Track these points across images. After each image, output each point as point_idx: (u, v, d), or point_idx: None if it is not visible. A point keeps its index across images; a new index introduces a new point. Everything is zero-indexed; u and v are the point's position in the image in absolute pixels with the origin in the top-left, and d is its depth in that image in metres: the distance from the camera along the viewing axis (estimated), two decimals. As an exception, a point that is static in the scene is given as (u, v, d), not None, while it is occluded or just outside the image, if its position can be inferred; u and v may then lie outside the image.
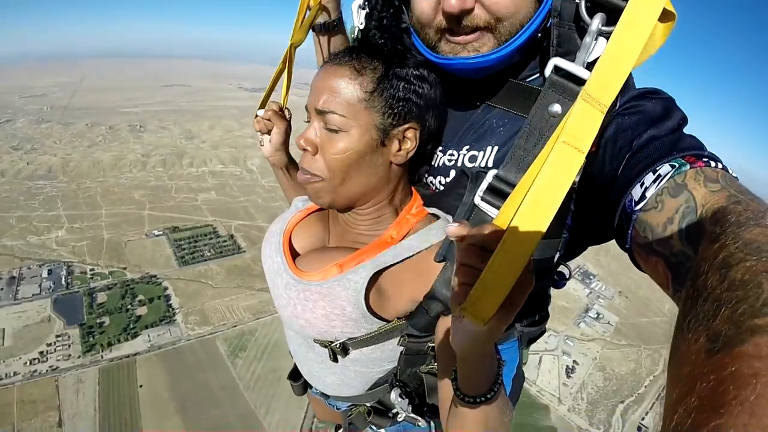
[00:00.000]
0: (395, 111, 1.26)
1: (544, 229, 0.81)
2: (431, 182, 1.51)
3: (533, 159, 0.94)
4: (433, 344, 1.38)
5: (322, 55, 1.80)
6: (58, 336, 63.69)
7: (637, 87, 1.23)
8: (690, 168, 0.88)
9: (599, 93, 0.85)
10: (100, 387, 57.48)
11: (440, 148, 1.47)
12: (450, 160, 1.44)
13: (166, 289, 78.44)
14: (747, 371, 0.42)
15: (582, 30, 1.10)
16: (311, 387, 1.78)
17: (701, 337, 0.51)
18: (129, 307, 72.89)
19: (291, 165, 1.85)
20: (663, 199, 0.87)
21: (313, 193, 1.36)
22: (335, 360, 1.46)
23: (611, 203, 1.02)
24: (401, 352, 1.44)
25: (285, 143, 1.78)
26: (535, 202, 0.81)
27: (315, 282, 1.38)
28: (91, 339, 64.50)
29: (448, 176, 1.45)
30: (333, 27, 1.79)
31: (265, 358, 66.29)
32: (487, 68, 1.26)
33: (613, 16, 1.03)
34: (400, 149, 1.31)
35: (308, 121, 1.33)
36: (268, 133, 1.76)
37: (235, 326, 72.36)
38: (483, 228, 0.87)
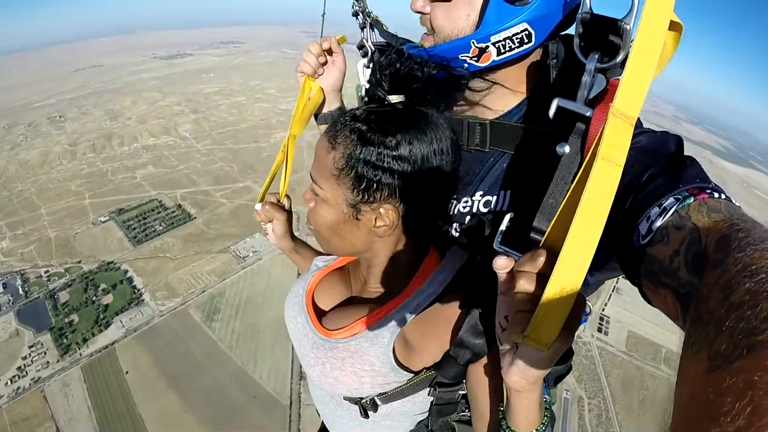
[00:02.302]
0: (363, 189, 1.25)
1: (596, 243, 0.81)
2: (447, 230, 1.52)
3: (552, 199, 1.02)
4: (463, 392, 1.37)
5: None
6: (30, 347, 60.66)
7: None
8: (694, 200, 0.88)
9: (627, 108, 0.88)
10: (87, 385, 55.63)
11: (455, 196, 1.48)
12: (465, 207, 1.46)
13: (126, 272, 75.34)
14: (743, 384, 0.43)
15: (579, 68, 1.11)
16: None
17: (703, 358, 0.52)
18: (94, 298, 69.86)
19: (299, 246, 1.93)
20: (668, 232, 0.87)
21: (317, 242, 1.44)
22: (366, 416, 1.44)
23: (621, 238, 1.02)
24: (432, 403, 1.43)
25: (288, 230, 1.85)
26: (585, 219, 0.82)
27: (342, 339, 1.39)
28: (65, 340, 61.85)
29: (464, 224, 1.46)
30: (338, 117, 1.79)
31: (240, 316, 65.54)
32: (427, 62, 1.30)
33: (608, 51, 1.08)
34: (376, 225, 1.30)
35: None
36: (270, 222, 1.81)
37: (204, 291, 70.74)
38: (536, 254, 0.91)
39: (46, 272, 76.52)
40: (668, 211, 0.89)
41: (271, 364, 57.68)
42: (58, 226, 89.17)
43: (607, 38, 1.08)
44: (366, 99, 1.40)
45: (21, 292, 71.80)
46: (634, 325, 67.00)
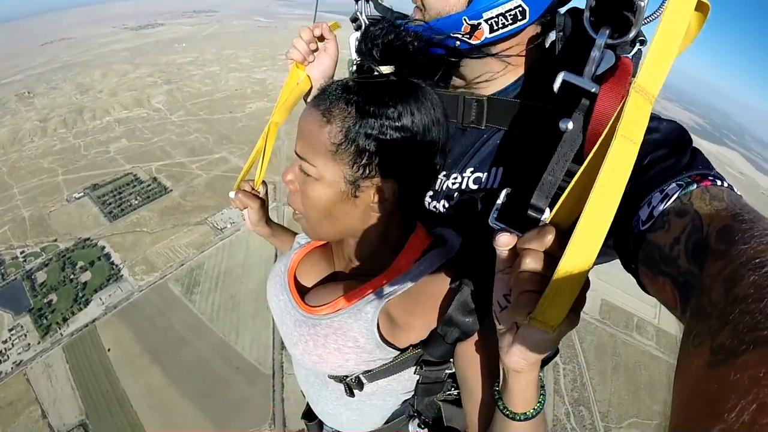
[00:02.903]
0: (365, 164, 1.19)
1: (610, 221, 0.79)
2: (435, 207, 1.47)
3: (551, 176, 0.99)
4: (450, 371, 1.35)
5: None
6: (10, 330, 59.43)
7: None
8: (696, 187, 0.86)
9: (649, 84, 0.85)
10: (70, 365, 54.68)
11: (444, 172, 1.43)
12: (454, 183, 1.42)
13: (103, 248, 73.81)
14: (748, 380, 0.42)
15: (586, 43, 1.07)
16: (326, 426, 1.75)
17: (705, 352, 0.51)
18: (72, 276, 68.46)
19: (277, 231, 1.94)
20: (670, 219, 0.85)
21: (302, 228, 1.38)
22: (351, 395, 1.41)
23: (619, 222, 0.97)
24: (418, 381, 1.41)
25: (263, 217, 1.84)
26: (601, 196, 0.79)
27: (325, 316, 1.35)
28: (45, 321, 60.68)
29: (453, 200, 1.42)
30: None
31: (220, 288, 64.81)
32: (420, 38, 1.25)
33: (619, 27, 1.04)
34: (374, 200, 1.25)
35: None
36: (245, 209, 1.81)
37: (183, 265, 69.63)
38: (544, 231, 0.86)
39: (21, 253, 74.61)
40: (671, 197, 0.87)
41: (252, 335, 57.38)
42: (31, 204, 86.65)
43: (619, 14, 1.03)
44: (355, 71, 1.36)
45: (-3, 274, 69.99)
46: (607, 294, 67.93)
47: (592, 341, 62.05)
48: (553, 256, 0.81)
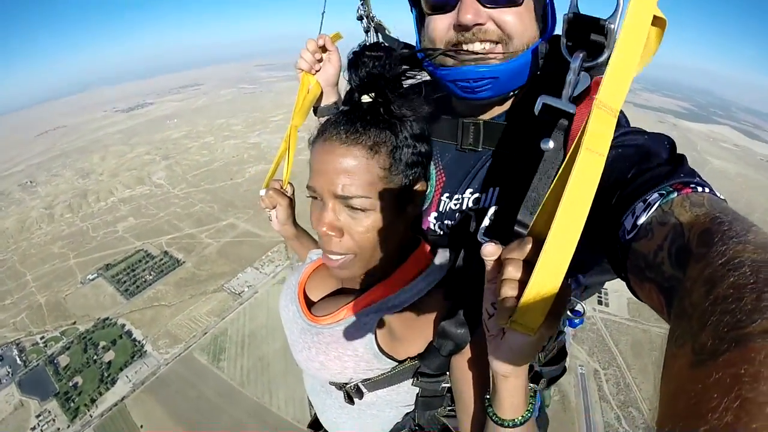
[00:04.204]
0: (410, 177, 1.27)
1: (580, 229, 0.83)
2: (439, 227, 1.52)
3: (535, 193, 1.05)
4: (447, 384, 1.36)
5: None
6: (38, 416, 58.55)
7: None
8: (677, 195, 0.88)
9: (610, 100, 0.90)
10: (103, 445, 53.11)
11: (446, 194, 1.50)
12: (456, 204, 1.47)
13: (123, 326, 73.36)
14: (730, 378, 0.42)
15: (564, 67, 1.13)
16: None
17: (687, 352, 0.51)
18: (95, 357, 67.71)
19: (300, 234, 1.97)
20: (652, 227, 0.87)
21: (341, 269, 1.32)
22: (351, 402, 1.45)
23: (608, 234, 1.02)
24: (417, 394, 1.42)
25: (290, 216, 1.90)
26: (570, 205, 0.84)
27: (327, 325, 1.42)
28: (72, 404, 59.74)
29: (454, 220, 1.47)
30: (334, 110, 1.89)
31: (246, 352, 64.29)
32: (491, 83, 1.29)
33: (593, 50, 1.11)
34: (414, 208, 1.34)
35: (311, 197, 1.30)
36: (274, 208, 1.86)
37: (206, 333, 69.27)
38: (523, 242, 0.93)
39: (41, 338, 73.99)
40: (652, 206, 0.89)
41: (286, 393, 56.55)
42: (46, 290, 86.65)
43: (591, 38, 1.10)
44: (343, 102, 1.45)
45: (19, 362, 69.24)
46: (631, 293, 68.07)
47: (627, 341, 61.56)
48: (533, 265, 0.85)
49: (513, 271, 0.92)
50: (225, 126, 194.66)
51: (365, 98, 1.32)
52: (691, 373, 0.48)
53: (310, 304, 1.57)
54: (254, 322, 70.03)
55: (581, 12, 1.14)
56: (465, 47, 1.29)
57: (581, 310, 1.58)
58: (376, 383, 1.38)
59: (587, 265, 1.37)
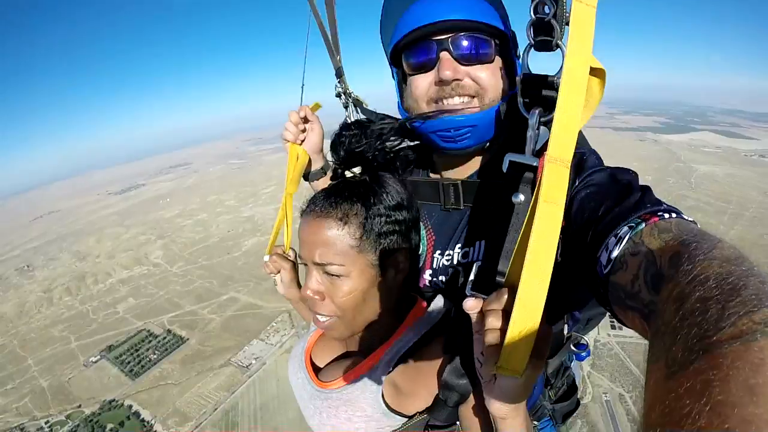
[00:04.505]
0: (384, 246, 1.33)
1: (548, 274, 0.87)
2: (434, 283, 1.61)
3: (513, 244, 1.08)
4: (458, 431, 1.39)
5: None
6: (49, 505, 56.43)
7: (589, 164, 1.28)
8: (645, 225, 0.91)
9: (560, 153, 0.94)
10: None
11: (438, 251, 1.60)
12: (447, 260, 1.56)
13: (130, 407, 72.03)
14: (700, 385, 0.44)
15: (523, 123, 1.21)
16: None
17: (661, 366, 0.54)
18: (103, 440, 66.04)
19: None
20: (626, 259, 0.89)
21: (329, 330, 1.43)
22: None
23: (587, 271, 1.05)
24: None
25: (294, 279, 1.93)
26: (536, 254, 0.88)
27: (335, 390, 1.45)
28: (84, 490, 57.79)
29: (447, 275, 1.56)
30: (322, 175, 2.06)
31: (260, 425, 63.55)
32: (470, 131, 1.42)
33: (549, 106, 1.16)
34: (396, 274, 1.37)
35: (303, 263, 1.42)
36: (279, 273, 1.91)
37: (216, 409, 68.31)
38: (500, 293, 0.98)
39: (46, 422, 72.54)
40: (623, 240, 0.92)
41: (304, 458, 55.46)
42: (48, 374, 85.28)
43: (543, 94, 1.20)
44: (331, 177, 1.58)
45: (24, 448, 67.11)
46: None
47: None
48: (509, 314, 0.89)
49: (494, 321, 0.97)
50: (217, 202, 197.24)
51: (349, 173, 1.48)
52: (665, 384, 0.50)
53: (316, 369, 1.65)
54: (265, 394, 69.32)
55: (532, 72, 1.25)
56: (445, 102, 1.44)
57: (585, 343, 1.68)
58: None
59: (582, 301, 1.48)
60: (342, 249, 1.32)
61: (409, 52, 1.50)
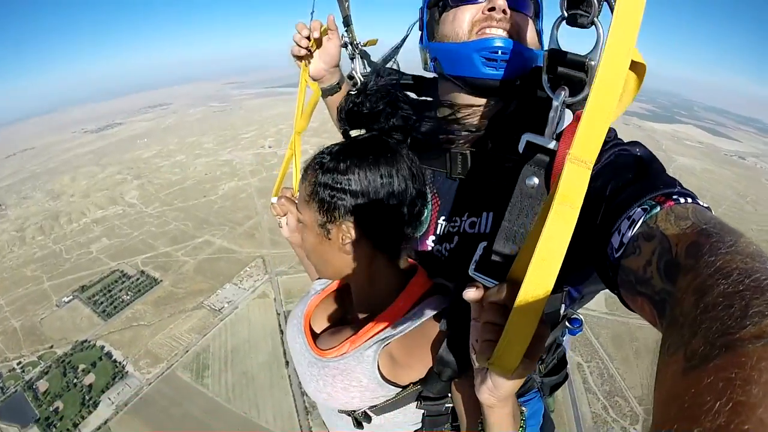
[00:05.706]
0: (326, 210, 1.34)
1: (552, 281, 0.84)
2: (437, 250, 1.57)
3: (522, 228, 1.05)
4: (450, 405, 1.42)
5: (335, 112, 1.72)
6: (18, 443, 56.10)
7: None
8: (660, 209, 0.89)
9: (584, 154, 0.88)
10: (88, 469, 51.65)
11: (443, 217, 1.56)
12: (453, 228, 1.54)
13: (103, 347, 71.16)
14: (722, 383, 0.43)
15: (542, 99, 1.18)
16: None
17: (679, 359, 0.52)
18: (75, 381, 65.48)
19: None
20: (639, 244, 0.88)
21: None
22: (360, 426, 1.50)
23: (596, 252, 1.03)
24: (423, 414, 1.45)
25: None
26: (542, 258, 0.85)
27: (332, 359, 1.46)
28: (54, 429, 57.68)
29: (452, 242, 1.53)
30: (336, 90, 2.03)
31: (230, 367, 63.42)
32: (512, 58, 1.36)
33: (575, 87, 1.08)
34: (343, 241, 1.38)
35: None
36: (285, 215, 1.88)
37: (187, 351, 67.86)
38: (501, 288, 0.96)
39: (18, 364, 71.35)
40: (637, 223, 0.89)
41: (273, 407, 56.09)
42: (20, 314, 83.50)
43: (571, 74, 1.09)
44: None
45: (-4, 389, 66.70)
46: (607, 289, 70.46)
47: (607, 334, 63.41)
48: (509, 309, 0.87)
49: (491, 315, 0.96)
50: (196, 144, 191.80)
51: (354, 132, 1.46)
52: (684, 378, 0.49)
53: (315, 334, 1.66)
54: (236, 338, 69.07)
55: (560, 47, 1.14)
56: (488, 31, 1.37)
57: (579, 318, 1.65)
58: (382, 408, 1.43)
59: (579, 279, 1.44)
60: (301, 200, 1.42)
61: None
